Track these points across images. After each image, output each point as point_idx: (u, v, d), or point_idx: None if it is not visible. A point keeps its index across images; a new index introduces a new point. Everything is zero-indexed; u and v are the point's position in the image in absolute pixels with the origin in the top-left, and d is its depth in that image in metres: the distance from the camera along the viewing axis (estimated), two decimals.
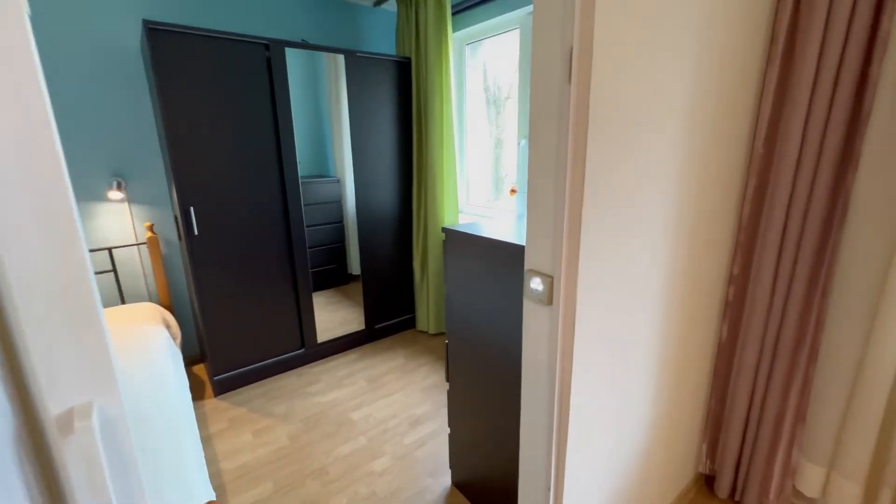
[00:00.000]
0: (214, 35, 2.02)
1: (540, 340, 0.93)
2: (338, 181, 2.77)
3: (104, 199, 2.35)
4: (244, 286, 2.35)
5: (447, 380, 1.59)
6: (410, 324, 3.15)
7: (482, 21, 2.55)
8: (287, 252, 2.47)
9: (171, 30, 1.91)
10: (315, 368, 2.63)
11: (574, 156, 0.78)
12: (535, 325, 0.94)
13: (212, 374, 2.34)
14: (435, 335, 3.02)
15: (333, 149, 2.74)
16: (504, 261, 1.22)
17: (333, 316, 2.86)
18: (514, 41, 2.48)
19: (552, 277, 0.86)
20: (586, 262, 0.85)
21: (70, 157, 2.23)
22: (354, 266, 2.83)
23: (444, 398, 2.28)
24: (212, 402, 2.31)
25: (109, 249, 2.37)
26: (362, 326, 2.89)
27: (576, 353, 0.90)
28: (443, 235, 2.75)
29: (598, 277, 0.89)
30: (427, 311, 3.01)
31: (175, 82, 1.97)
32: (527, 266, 0.93)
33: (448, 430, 1.65)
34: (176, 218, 2.08)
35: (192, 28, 1.96)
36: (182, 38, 1.95)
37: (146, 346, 1.92)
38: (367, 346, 2.89)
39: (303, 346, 2.65)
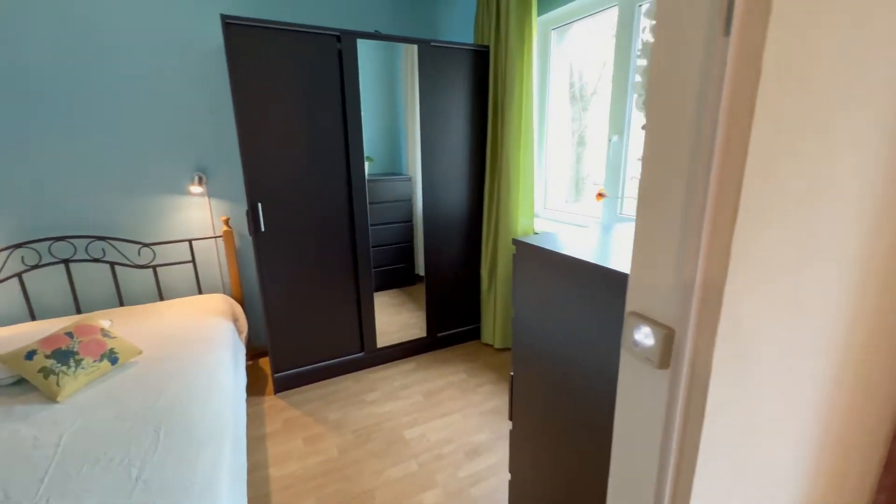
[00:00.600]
0: (286, 27, 1.96)
1: (645, 411, 0.66)
2: (409, 179, 2.64)
3: (186, 192, 2.44)
4: (307, 284, 2.31)
5: (510, 418, 1.34)
6: (474, 335, 2.93)
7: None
8: (350, 251, 2.39)
9: (246, 24, 1.89)
10: (372, 375, 2.52)
11: (726, 143, 0.50)
12: (637, 389, 0.66)
13: (273, 371, 2.33)
14: (500, 350, 2.77)
15: (407, 145, 2.61)
16: (593, 288, 0.95)
17: (395, 318, 2.73)
18: (610, 22, 2.13)
19: (673, 331, 0.58)
20: (734, 310, 0.56)
21: (159, 152, 2.34)
22: (422, 267, 2.68)
23: (505, 427, 2.02)
24: (271, 400, 2.30)
25: (190, 241, 2.47)
26: (423, 334, 2.73)
27: (703, 439, 0.61)
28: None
29: (751, 333, 0.59)
30: (493, 322, 2.76)
31: (247, 77, 1.95)
32: (630, 307, 0.65)
33: (508, 476, 1.40)
34: (247, 213, 2.08)
35: (265, 21, 1.92)
36: (255, 31, 1.92)
37: (210, 341, 1.93)
38: (426, 356, 2.73)
39: (362, 349, 2.56)
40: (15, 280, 2.17)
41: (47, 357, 1.54)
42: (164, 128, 2.33)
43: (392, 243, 2.70)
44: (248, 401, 2.26)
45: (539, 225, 2.50)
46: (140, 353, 1.76)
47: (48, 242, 2.19)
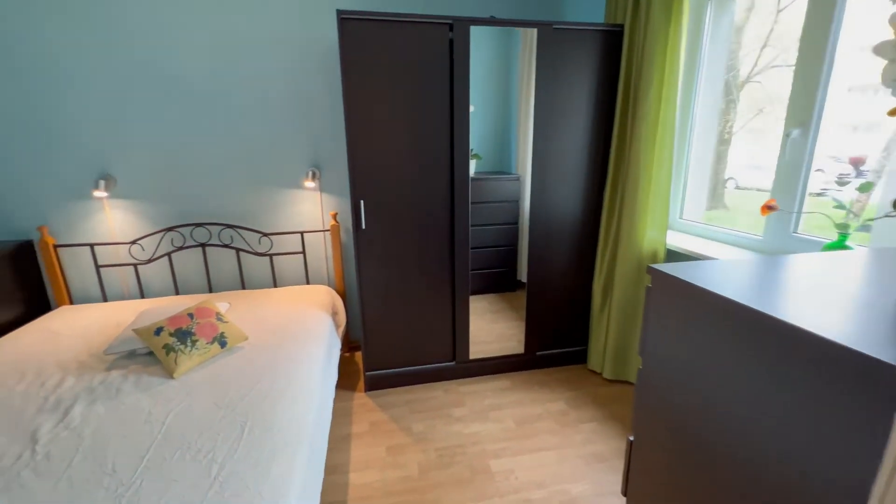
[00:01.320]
0: (398, 18, 1.88)
1: None
2: (517, 179, 2.41)
3: (301, 186, 2.56)
4: (403, 284, 2.23)
5: (623, 493, 1.05)
6: (579, 358, 2.58)
7: None
8: (448, 252, 2.25)
9: (360, 17, 1.84)
10: (463, 387, 2.36)
11: None
12: None
13: (365, 368, 2.32)
14: (611, 382, 2.38)
15: (518, 142, 2.37)
16: (815, 371, 0.62)
17: (491, 327, 2.53)
18: None
19: None
20: None
21: (282, 148, 2.49)
22: (524, 273, 2.44)
23: (609, 483, 1.68)
24: (360, 398, 2.29)
25: (301, 233, 2.59)
26: (521, 349, 2.48)
27: None
28: (644, 270, 2.09)
29: None
30: (604, 348, 2.39)
31: (358, 71, 1.91)
32: None
33: None
34: (352, 208, 2.07)
35: (378, 14, 1.86)
36: (368, 24, 1.87)
37: (307, 335, 1.96)
38: (523, 374, 2.47)
39: (454, 358, 2.41)
40: (166, 258, 2.50)
41: (171, 335, 1.68)
42: (287, 125, 2.46)
43: (494, 245, 2.50)
44: (338, 395, 2.29)
45: (672, 239, 2.06)
46: (246, 339, 1.85)
47: (190, 227, 2.47)
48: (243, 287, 2.61)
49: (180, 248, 2.48)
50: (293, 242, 2.62)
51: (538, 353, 2.51)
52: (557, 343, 2.53)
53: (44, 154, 2.27)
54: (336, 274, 2.65)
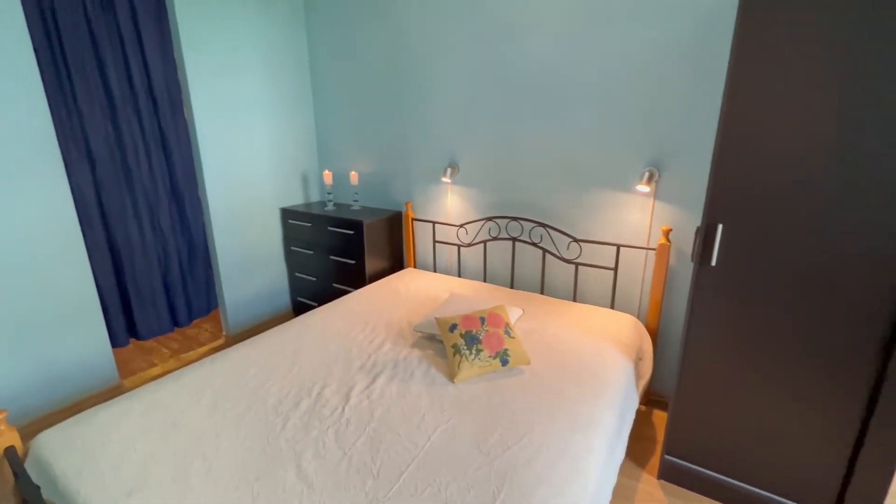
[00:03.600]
0: None
1: None
2: None
3: (630, 190, 2.06)
4: (763, 362, 1.43)
5: None
6: None
7: None
8: (880, 349, 1.25)
9: None
10: None
11: None
12: None
13: (665, 448, 1.69)
14: None
15: None
16: None
17: None
18: None
19: None
20: None
21: (613, 141, 2.05)
22: None
23: None
24: (649, 483, 1.70)
25: (618, 246, 2.12)
26: None
27: None
28: None
29: None
30: None
31: (759, 38, 1.20)
32: None
33: None
34: (697, 232, 1.44)
35: None
36: None
37: (600, 387, 1.53)
38: None
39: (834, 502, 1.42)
40: (482, 246, 2.61)
41: (461, 335, 1.64)
42: (625, 113, 1.99)
43: None
44: (620, 467, 1.77)
45: None
46: (528, 363, 1.62)
47: (506, 220, 2.46)
48: (542, 291, 2.42)
49: (494, 239, 2.52)
50: (605, 255, 2.19)
51: None
52: None
53: (418, 144, 2.74)
54: (651, 306, 2.05)
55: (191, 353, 2.78)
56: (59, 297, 2.06)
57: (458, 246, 2.68)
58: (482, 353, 1.58)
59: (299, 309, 3.22)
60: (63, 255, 2.05)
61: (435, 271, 2.84)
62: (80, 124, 2.32)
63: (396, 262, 2.98)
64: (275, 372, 1.61)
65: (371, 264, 2.75)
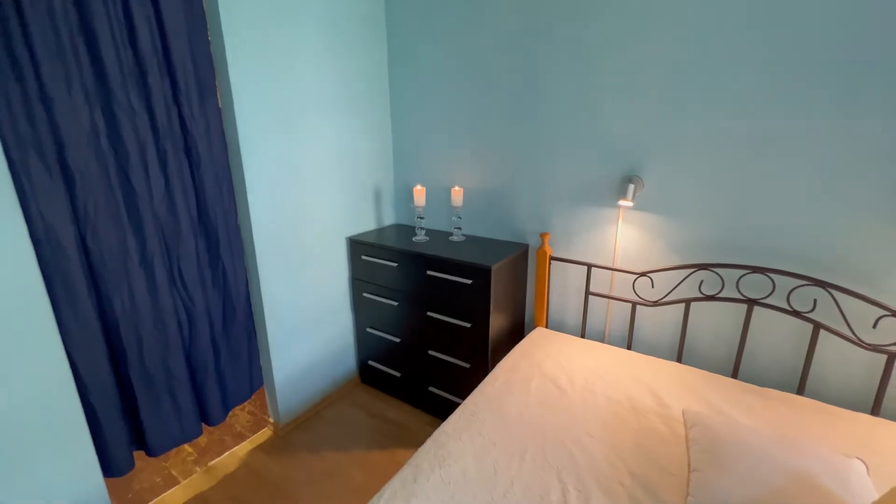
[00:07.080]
0: None
1: None
2: None
3: None
4: None
5: None
6: None
7: None
8: None
9: None
10: None
11: None
12: None
13: None
14: None
15: None
16: None
17: None
18: None
19: None
20: None
21: None
22: None
23: None
24: None
25: None
26: None
27: None
28: None
29: None
30: None
31: None
32: None
33: None
34: None
35: None
36: None
37: None
38: None
39: None
40: (679, 306, 1.66)
41: None
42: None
43: None
44: None
45: None
46: None
47: (740, 271, 1.49)
48: (801, 391, 1.46)
49: (710, 298, 1.56)
50: None
51: None
52: None
53: (566, 145, 1.80)
54: None
55: (225, 455, 1.88)
56: (12, 414, 1.17)
57: (635, 303, 1.73)
58: None
59: (368, 376, 2.32)
60: (17, 342, 1.16)
61: (583, 336, 1.90)
62: (46, 117, 1.31)
63: (516, 319, 2.04)
64: None
65: (495, 326, 1.82)
